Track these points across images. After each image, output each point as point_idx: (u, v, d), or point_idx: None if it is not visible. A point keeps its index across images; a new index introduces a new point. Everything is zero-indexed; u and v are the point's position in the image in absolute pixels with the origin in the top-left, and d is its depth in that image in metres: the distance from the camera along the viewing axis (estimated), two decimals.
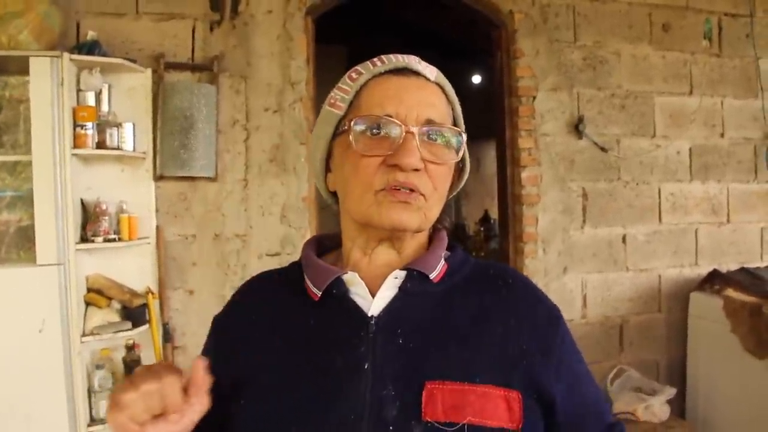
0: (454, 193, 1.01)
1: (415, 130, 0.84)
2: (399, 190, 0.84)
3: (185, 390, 0.74)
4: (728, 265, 3.99)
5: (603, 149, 3.82)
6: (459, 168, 0.98)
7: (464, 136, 0.90)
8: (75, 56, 2.82)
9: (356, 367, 0.83)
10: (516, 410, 0.82)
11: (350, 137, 0.86)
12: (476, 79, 8.12)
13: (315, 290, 0.90)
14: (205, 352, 0.97)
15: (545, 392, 0.86)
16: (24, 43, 2.75)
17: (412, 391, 0.81)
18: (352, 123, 0.86)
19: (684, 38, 4.01)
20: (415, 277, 0.89)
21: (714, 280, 3.76)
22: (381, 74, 0.90)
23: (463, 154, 0.94)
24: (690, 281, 3.97)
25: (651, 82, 3.95)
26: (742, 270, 3.77)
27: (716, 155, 4.09)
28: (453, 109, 0.94)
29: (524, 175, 3.71)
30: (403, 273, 0.89)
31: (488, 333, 0.87)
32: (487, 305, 0.91)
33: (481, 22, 3.94)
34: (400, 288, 0.89)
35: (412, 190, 0.84)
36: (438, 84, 0.92)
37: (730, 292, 3.51)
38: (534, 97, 3.71)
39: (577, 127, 3.76)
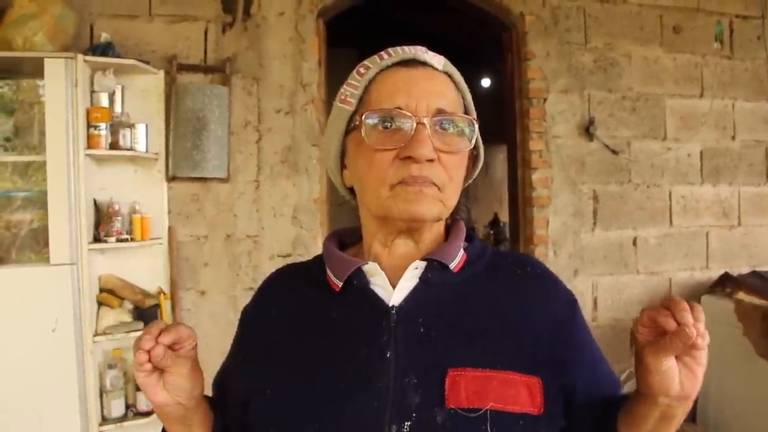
0: (470, 181, 1.01)
1: (426, 120, 0.84)
2: (415, 182, 0.84)
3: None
4: (739, 269, 3.97)
5: (614, 151, 3.81)
6: (473, 156, 0.98)
7: (476, 124, 0.90)
8: (89, 58, 2.84)
9: (379, 356, 0.84)
10: (537, 395, 0.83)
11: (362, 132, 0.86)
12: (486, 82, 8.11)
13: (336, 281, 0.92)
14: (234, 343, 1.03)
15: (565, 375, 0.88)
16: (39, 45, 2.77)
17: (434, 378, 0.82)
18: (363, 118, 0.86)
19: (695, 40, 4.00)
20: (435, 267, 0.90)
21: (725, 284, 3.74)
22: (388, 67, 0.90)
23: (477, 142, 0.94)
24: (701, 284, 3.96)
25: (662, 85, 3.94)
26: (754, 273, 3.75)
27: (727, 158, 4.08)
28: (463, 98, 0.94)
29: (535, 177, 3.71)
30: (423, 263, 0.90)
31: (508, 320, 0.88)
32: (506, 293, 0.92)
33: (491, 24, 3.94)
34: (420, 278, 0.89)
35: (427, 181, 0.84)
36: (447, 73, 0.92)
37: (742, 296, 3.49)
38: (545, 99, 3.71)
39: (587, 130, 3.75)
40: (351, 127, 0.90)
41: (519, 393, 0.83)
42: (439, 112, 0.86)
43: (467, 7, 3.84)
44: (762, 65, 4.12)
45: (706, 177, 4.04)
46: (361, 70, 0.91)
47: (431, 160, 0.84)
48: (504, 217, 7.72)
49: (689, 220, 4.01)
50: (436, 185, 0.85)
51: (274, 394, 0.88)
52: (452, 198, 0.90)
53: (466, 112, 0.93)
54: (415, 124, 0.84)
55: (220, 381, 1.03)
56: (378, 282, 0.90)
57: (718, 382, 3.63)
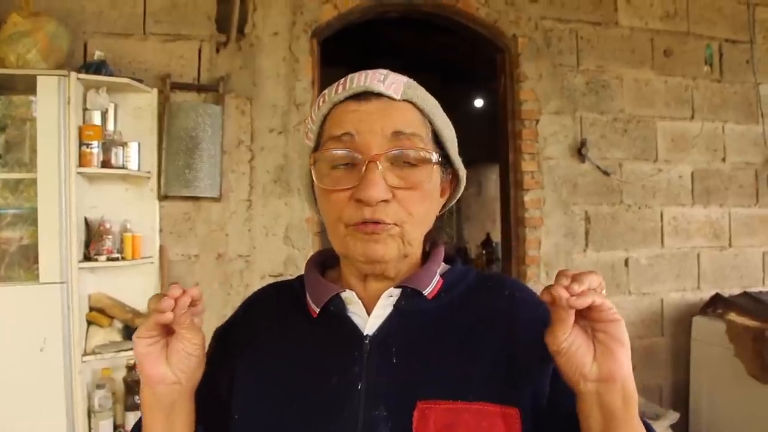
0: (450, 205, 0.99)
1: (378, 156, 0.81)
2: (367, 224, 0.81)
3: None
4: (731, 290, 3.98)
5: (605, 173, 3.83)
6: (452, 177, 0.95)
7: (437, 155, 0.86)
8: (82, 75, 2.84)
9: (350, 386, 0.83)
10: (515, 427, 0.80)
11: (313, 175, 0.86)
12: (478, 102, 8.15)
13: (314, 307, 0.90)
14: (207, 361, 0.96)
15: (542, 395, 0.83)
16: (32, 62, 2.76)
17: (404, 410, 0.80)
18: (315, 157, 0.86)
19: (685, 63, 4.05)
20: (409, 294, 0.88)
21: (717, 305, 3.75)
22: (341, 101, 0.86)
23: (455, 164, 0.92)
24: (692, 305, 3.97)
25: (653, 107, 3.98)
26: (745, 294, 3.76)
27: (718, 179, 4.11)
28: (432, 122, 0.89)
29: (527, 198, 3.72)
30: (397, 291, 0.88)
31: (485, 348, 0.86)
32: (484, 319, 0.89)
33: (484, 46, 3.97)
34: (394, 306, 0.88)
35: (381, 222, 0.82)
36: (407, 100, 0.86)
37: (733, 317, 3.50)
38: (537, 121, 3.74)
39: (579, 151, 3.78)
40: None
41: (494, 424, 0.80)
42: (394, 146, 0.83)
43: (460, 29, 3.87)
44: (751, 89, 4.16)
45: (697, 198, 4.06)
46: (320, 102, 0.89)
47: (385, 201, 0.81)
48: (496, 236, 7.73)
49: (681, 241, 4.02)
50: (393, 224, 0.83)
51: (242, 419, 0.87)
52: (414, 233, 0.86)
53: (436, 137, 0.89)
54: (366, 163, 0.81)
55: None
56: (354, 310, 0.89)
57: (709, 403, 3.63)
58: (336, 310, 0.88)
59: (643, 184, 3.93)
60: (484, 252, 7.98)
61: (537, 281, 3.70)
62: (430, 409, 0.80)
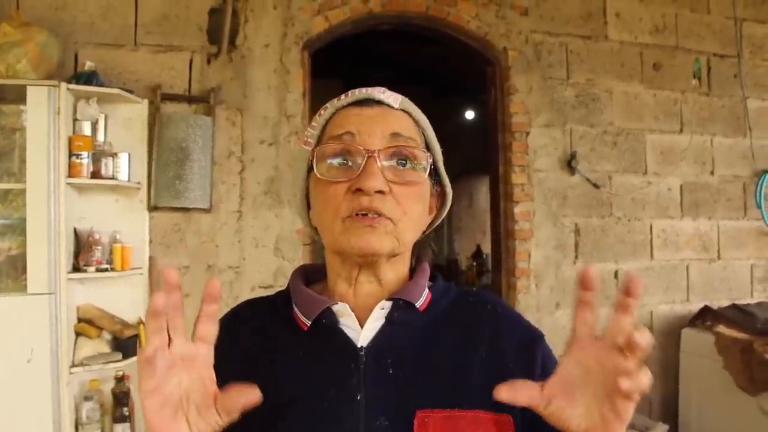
0: (438, 223, 1.01)
1: (377, 152, 0.85)
2: (365, 215, 0.84)
3: None
4: (719, 302, 4.00)
5: (595, 185, 3.85)
6: (439, 194, 0.98)
7: (431, 160, 0.90)
8: (72, 86, 2.84)
9: (349, 398, 0.83)
10: None
11: (313, 167, 0.88)
12: (469, 114, 8.18)
13: (305, 320, 0.90)
14: None
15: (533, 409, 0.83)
16: (22, 72, 2.76)
17: (404, 420, 0.81)
18: (316, 152, 0.88)
19: (674, 77, 4.08)
20: (401, 306, 0.89)
21: (705, 317, 3.77)
22: (344, 107, 0.91)
23: (442, 180, 0.96)
24: (681, 317, 3.98)
25: (642, 120, 4.01)
26: (733, 306, 3.78)
27: (706, 192, 4.14)
28: (424, 134, 0.94)
29: (517, 210, 3.73)
30: (389, 303, 0.89)
31: (474, 358, 0.88)
32: (471, 331, 0.91)
33: (475, 58, 4.00)
34: (386, 317, 0.89)
35: (378, 214, 0.84)
36: (404, 111, 0.92)
37: (722, 329, 3.52)
38: (527, 133, 3.76)
39: (569, 163, 3.80)
40: (310, 166, 0.91)
41: (489, 431, 0.82)
42: (392, 144, 0.87)
43: (451, 41, 3.89)
44: (738, 102, 4.20)
45: (686, 211, 4.09)
46: (322, 111, 0.93)
47: (382, 192, 0.84)
48: (487, 248, 7.73)
49: (670, 253, 4.04)
50: (389, 218, 0.85)
51: None
52: (408, 233, 0.89)
53: (428, 148, 0.93)
54: (366, 156, 0.84)
55: None
56: (346, 322, 0.89)
57: (698, 414, 3.64)
58: (328, 322, 0.88)
59: (632, 196, 3.96)
60: (474, 264, 7.98)
61: (527, 293, 3.71)
62: (429, 417, 0.81)
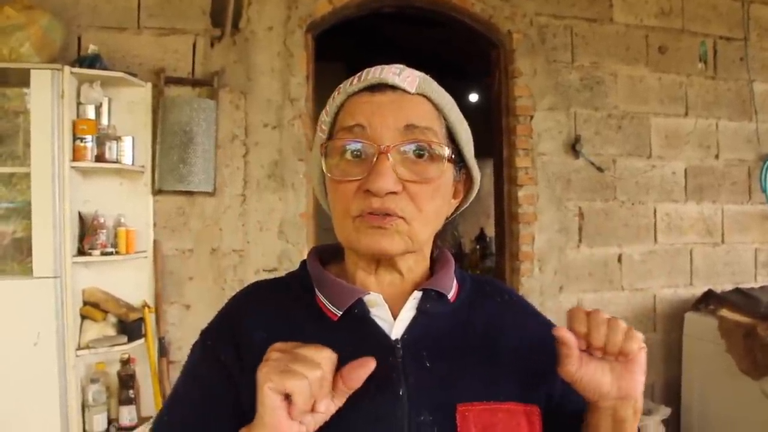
0: (463, 208, 0.98)
1: (388, 148, 0.79)
2: (375, 215, 0.80)
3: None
4: (723, 286, 4.00)
5: (599, 169, 3.84)
6: (466, 179, 0.94)
7: (450, 150, 0.85)
8: (76, 69, 2.83)
9: (391, 393, 0.81)
10: (536, 424, 0.85)
11: (323, 165, 0.84)
12: (473, 97, 8.14)
13: (334, 310, 0.86)
14: (196, 371, 0.88)
15: (554, 395, 0.89)
16: (25, 56, 2.75)
17: (446, 415, 0.81)
18: (326, 147, 0.84)
19: (680, 60, 4.06)
20: (432, 297, 0.87)
21: (709, 301, 3.77)
22: (356, 93, 0.85)
23: (468, 164, 0.91)
24: (685, 301, 3.98)
25: (647, 103, 3.99)
26: (737, 290, 3.78)
27: (711, 176, 4.13)
28: (447, 118, 0.87)
29: (521, 194, 3.73)
30: (419, 293, 0.87)
31: (502, 350, 0.88)
32: (494, 321, 0.91)
33: (479, 41, 3.97)
34: (418, 309, 0.87)
35: (388, 215, 0.80)
36: (422, 94, 0.85)
37: (725, 313, 3.52)
38: (531, 117, 3.74)
39: (573, 147, 3.78)
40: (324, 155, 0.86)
41: (520, 423, 0.83)
42: (407, 137, 0.81)
43: (456, 24, 3.87)
44: (744, 86, 4.18)
45: (690, 195, 4.08)
46: (335, 94, 0.88)
47: (394, 192, 0.79)
48: (490, 231, 7.73)
49: (673, 237, 4.04)
50: (402, 217, 0.81)
51: None
52: (423, 231, 0.84)
53: (450, 133, 0.88)
54: (376, 154, 0.80)
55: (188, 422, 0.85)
56: (378, 313, 0.86)
57: (701, 398, 3.65)
58: (360, 312, 0.85)
59: (636, 180, 3.95)
60: (478, 247, 7.98)
61: (530, 276, 3.72)
62: (469, 411, 0.81)
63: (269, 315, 0.89)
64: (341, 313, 0.85)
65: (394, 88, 0.84)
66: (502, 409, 0.82)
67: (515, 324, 0.92)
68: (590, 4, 3.89)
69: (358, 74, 0.87)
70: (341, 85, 0.88)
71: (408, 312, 0.86)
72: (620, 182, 3.91)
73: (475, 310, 0.92)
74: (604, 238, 3.89)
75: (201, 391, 0.85)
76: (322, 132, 0.88)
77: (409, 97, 0.84)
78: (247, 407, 0.76)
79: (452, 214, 0.96)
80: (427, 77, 0.88)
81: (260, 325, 0.87)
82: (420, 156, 0.82)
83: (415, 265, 0.90)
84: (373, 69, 0.86)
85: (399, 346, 0.84)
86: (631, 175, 3.93)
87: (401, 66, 0.87)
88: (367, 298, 0.86)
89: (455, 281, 0.93)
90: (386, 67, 0.86)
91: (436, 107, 0.86)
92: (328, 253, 0.98)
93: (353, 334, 0.84)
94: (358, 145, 0.81)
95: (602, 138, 3.88)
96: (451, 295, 0.90)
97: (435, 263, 0.95)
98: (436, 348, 0.85)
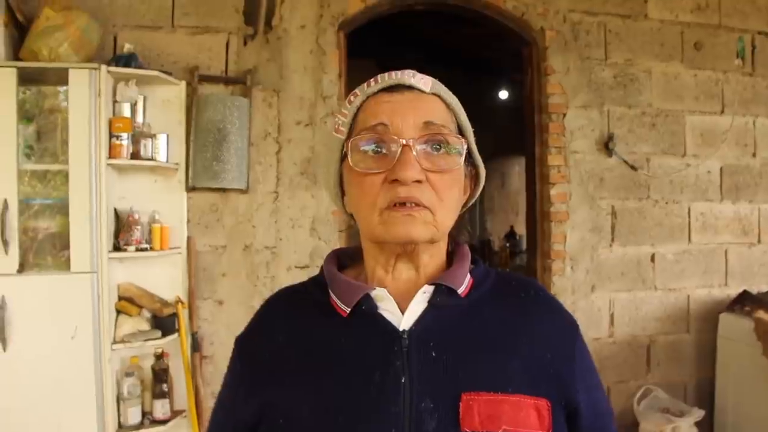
0: (471, 203, 1.01)
1: (411, 142, 0.84)
2: (403, 205, 0.84)
3: None
4: (758, 287, 3.93)
5: (633, 167, 3.80)
6: (473, 175, 0.98)
7: (466, 145, 0.90)
8: (112, 68, 2.88)
9: (394, 381, 0.84)
10: (546, 417, 0.84)
11: (348, 159, 0.87)
12: (502, 94, 8.11)
13: (343, 307, 0.91)
14: (233, 375, 0.98)
15: (570, 399, 0.89)
16: (64, 56, 2.81)
17: (449, 402, 0.82)
18: (350, 144, 0.88)
19: (716, 57, 3.99)
20: (443, 292, 0.90)
21: (744, 302, 3.71)
22: (375, 94, 0.90)
23: (475, 161, 0.96)
24: (719, 302, 3.93)
25: (682, 101, 3.93)
26: None
27: (747, 175, 4.05)
28: (456, 117, 0.93)
29: (553, 192, 3.70)
30: (431, 288, 0.90)
31: (516, 343, 0.89)
32: (512, 316, 0.93)
33: (511, 38, 3.95)
34: (429, 302, 0.90)
35: (416, 204, 0.84)
36: (436, 94, 0.91)
37: (761, 314, 3.45)
38: (564, 115, 3.71)
39: (606, 145, 3.74)
40: (344, 155, 0.91)
41: (528, 415, 0.83)
42: (426, 132, 0.86)
43: (487, 21, 3.85)
44: None
45: (726, 194, 4.01)
46: (351, 98, 0.92)
47: (419, 181, 0.84)
48: (520, 229, 7.70)
49: (708, 237, 3.98)
50: (426, 207, 0.85)
51: (287, 423, 0.87)
52: (445, 220, 0.89)
53: (460, 132, 0.93)
54: (400, 146, 0.84)
55: (224, 420, 0.98)
56: (386, 307, 0.90)
57: (735, 401, 3.60)
58: (367, 308, 0.89)
59: (670, 179, 3.89)
60: (507, 245, 7.95)
61: (562, 275, 3.69)
62: (474, 400, 0.82)
63: (288, 319, 0.97)
64: (350, 309, 0.90)
65: (410, 88, 0.90)
66: (509, 400, 0.83)
67: (536, 320, 0.93)
68: (624, 0, 3.84)
69: (373, 78, 0.92)
70: (357, 89, 0.92)
71: (418, 305, 0.89)
72: (654, 181, 3.86)
73: (493, 304, 0.93)
74: (638, 238, 3.84)
75: (228, 383, 0.99)
76: (339, 133, 0.92)
77: (425, 96, 0.90)
78: (255, 399, 0.90)
79: (462, 210, 0.99)
80: (438, 81, 0.94)
81: (280, 328, 0.96)
82: (438, 149, 0.87)
83: (430, 260, 0.93)
84: (387, 73, 0.91)
85: (405, 336, 0.87)
86: (665, 173, 3.88)
87: (414, 71, 0.93)
88: (374, 294, 0.90)
89: (468, 276, 0.95)
90: (400, 71, 0.92)
91: (448, 106, 0.93)
92: (347, 256, 1.03)
93: (361, 328, 0.89)
94: (382, 142, 0.86)
95: (636, 136, 3.84)
96: (462, 290, 0.92)
97: (451, 258, 0.98)
98: (444, 339, 0.87)
